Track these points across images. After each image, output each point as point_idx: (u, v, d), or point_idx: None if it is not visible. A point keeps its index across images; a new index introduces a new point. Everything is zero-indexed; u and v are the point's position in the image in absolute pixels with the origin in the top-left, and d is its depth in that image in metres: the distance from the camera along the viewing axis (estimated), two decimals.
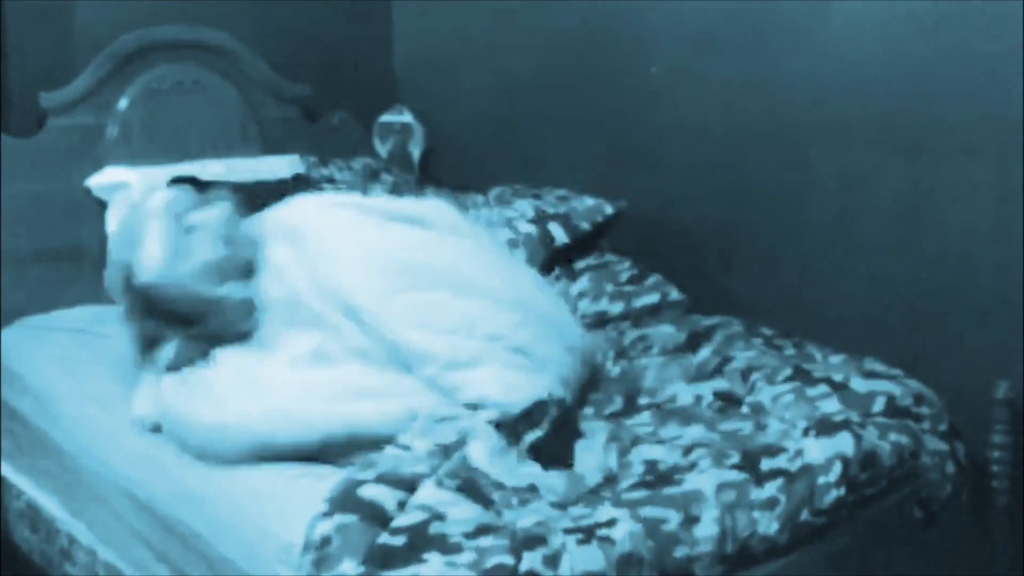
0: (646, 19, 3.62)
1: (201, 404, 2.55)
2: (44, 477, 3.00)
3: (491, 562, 1.98)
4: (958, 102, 2.96)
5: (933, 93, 3.01)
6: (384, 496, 2.15)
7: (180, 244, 2.81)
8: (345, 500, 2.14)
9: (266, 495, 2.32)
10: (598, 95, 3.79)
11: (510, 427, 2.42)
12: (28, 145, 3.51)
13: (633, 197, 3.59)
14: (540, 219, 3.47)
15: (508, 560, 1.99)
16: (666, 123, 3.60)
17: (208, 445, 2.49)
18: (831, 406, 2.60)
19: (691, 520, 2.18)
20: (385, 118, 4.29)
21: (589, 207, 3.56)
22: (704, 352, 2.94)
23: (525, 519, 2.13)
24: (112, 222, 3.44)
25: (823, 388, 2.67)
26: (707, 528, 2.19)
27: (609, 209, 3.55)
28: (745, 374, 2.79)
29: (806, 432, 2.47)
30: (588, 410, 2.68)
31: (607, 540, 2.08)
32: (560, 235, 3.45)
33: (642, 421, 2.61)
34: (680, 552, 2.16)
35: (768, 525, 2.27)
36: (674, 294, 3.34)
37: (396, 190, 3.77)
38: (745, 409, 2.68)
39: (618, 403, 2.72)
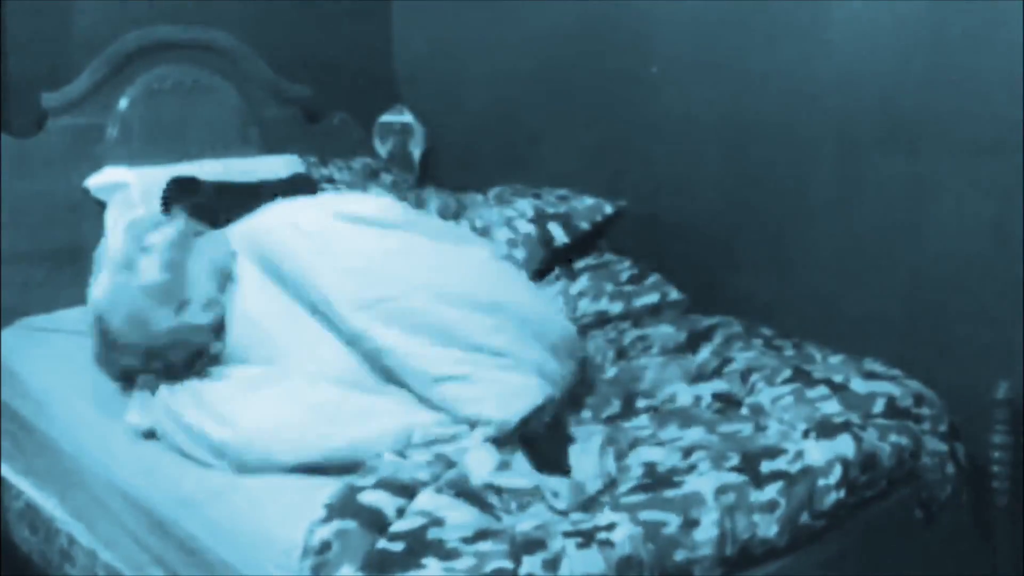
0: (646, 19, 3.61)
1: (204, 418, 2.54)
2: (43, 478, 3.00)
3: (490, 567, 1.98)
4: (958, 101, 2.96)
5: (933, 93, 3.00)
6: (383, 502, 2.16)
7: (132, 265, 2.79)
8: (344, 506, 2.14)
9: (265, 500, 2.32)
10: (598, 95, 3.78)
11: (508, 438, 2.43)
12: (28, 145, 3.50)
13: (633, 197, 3.59)
14: (540, 219, 3.47)
15: (507, 565, 1.99)
16: (666, 123, 3.60)
17: (209, 458, 2.49)
18: (831, 407, 2.60)
19: (691, 523, 2.18)
20: (385, 118, 4.29)
21: (589, 207, 3.55)
22: (704, 352, 2.95)
23: (524, 523, 2.13)
24: (111, 222, 3.43)
25: (823, 389, 2.67)
26: (707, 531, 2.19)
27: (609, 209, 3.55)
28: (745, 375, 2.79)
29: (806, 434, 2.47)
30: (586, 413, 2.68)
31: (607, 543, 2.08)
32: (560, 235, 3.45)
33: (641, 423, 2.61)
34: (680, 555, 2.15)
35: (768, 528, 2.27)
36: (674, 294, 3.34)
37: (396, 190, 3.77)
38: (745, 410, 2.67)
39: (616, 406, 2.72)
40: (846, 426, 2.49)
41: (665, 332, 3.08)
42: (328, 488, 2.23)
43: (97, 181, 3.54)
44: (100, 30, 3.63)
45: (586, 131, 3.84)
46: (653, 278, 3.36)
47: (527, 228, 3.44)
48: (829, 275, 3.27)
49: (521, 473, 2.33)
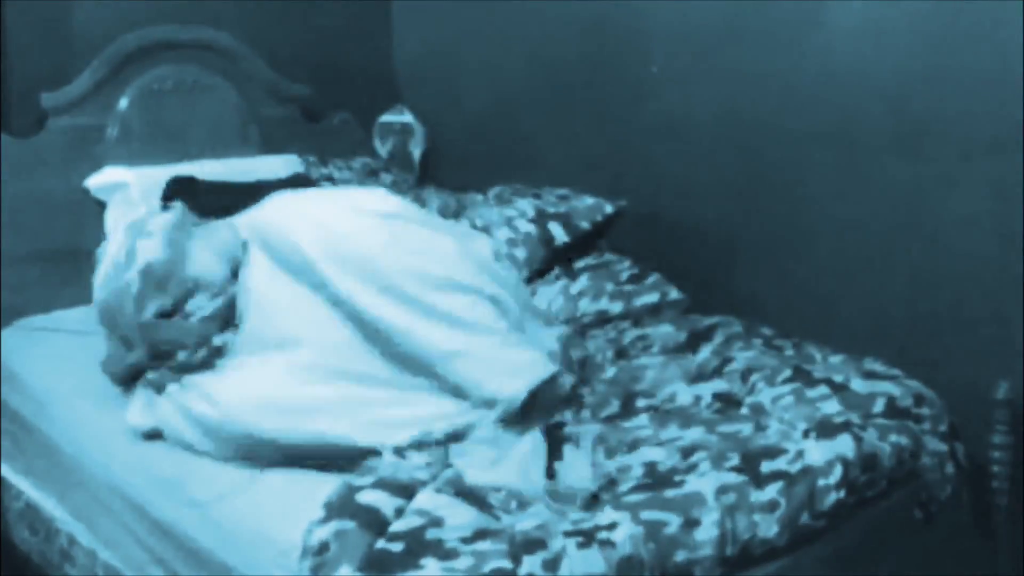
0: (646, 19, 3.61)
1: (197, 403, 2.56)
2: (43, 478, 3.00)
3: (489, 567, 1.98)
4: (958, 102, 2.95)
5: (933, 93, 3.00)
6: (382, 502, 2.15)
7: (132, 255, 2.81)
8: (343, 506, 2.14)
9: (264, 500, 2.32)
10: (598, 95, 3.78)
11: (517, 416, 2.47)
12: (28, 145, 3.50)
13: (633, 196, 3.59)
14: (540, 218, 3.47)
15: (507, 565, 1.99)
16: (666, 123, 3.60)
17: (201, 441, 2.51)
18: (831, 407, 2.60)
19: (691, 523, 2.18)
20: (385, 118, 4.29)
21: (589, 206, 3.55)
22: (704, 352, 2.95)
23: (524, 522, 2.13)
24: (111, 222, 3.43)
25: (823, 389, 2.67)
26: (707, 531, 2.18)
27: (609, 208, 3.55)
28: (745, 375, 2.79)
29: (806, 434, 2.47)
30: (585, 413, 2.68)
31: (607, 543, 2.08)
32: (560, 234, 3.45)
33: (640, 423, 2.60)
34: (680, 555, 2.15)
35: (768, 528, 2.26)
36: (674, 293, 3.33)
37: (396, 190, 3.76)
38: (745, 410, 2.67)
39: (615, 406, 2.71)
40: (846, 426, 2.49)
41: (665, 332, 3.08)
42: (327, 487, 2.22)
43: (97, 181, 3.54)
44: (100, 30, 3.64)
45: (586, 131, 3.84)
46: (653, 278, 3.36)
47: (527, 228, 3.44)
48: (829, 275, 3.27)
49: (511, 474, 2.33)
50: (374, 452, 2.40)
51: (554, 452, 2.41)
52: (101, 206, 3.52)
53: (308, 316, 2.70)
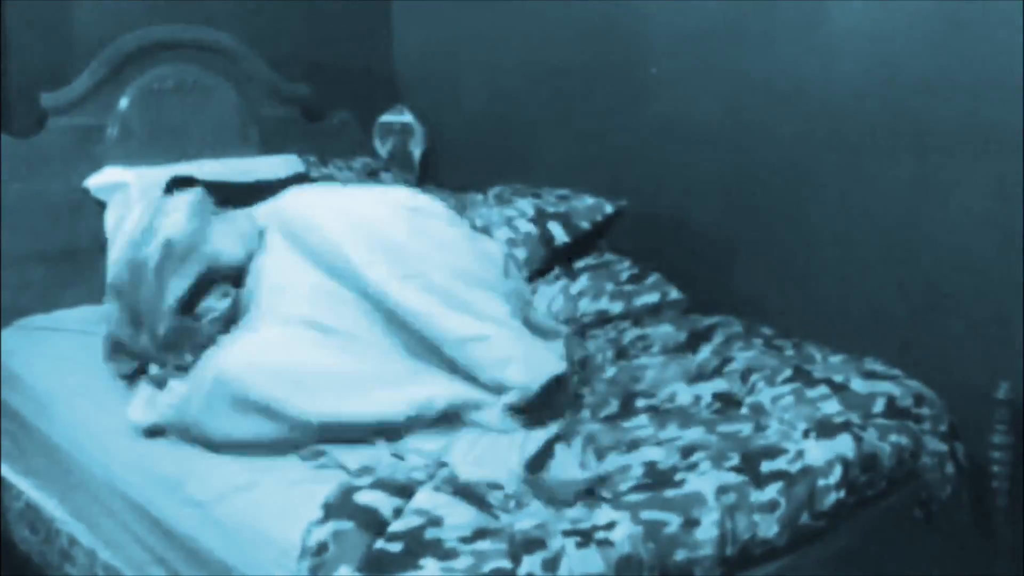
0: (646, 19, 3.62)
1: (207, 366, 2.59)
2: (43, 478, 3.00)
3: (488, 567, 1.98)
4: (958, 102, 2.96)
5: (933, 93, 3.00)
6: (380, 502, 2.15)
7: (151, 230, 2.82)
8: (341, 506, 2.14)
9: (264, 500, 2.32)
10: (598, 95, 3.78)
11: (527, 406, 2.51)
12: (28, 145, 3.50)
13: (633, 196, 3.59)
14: (540, 218, 3.47)
15: (506, 564, 1.98)
16: (666, 123, 3.60)
17: (204, 408, 2.52)
18: (831, 407, 2.60)
19: (691, 523, 2.18)
20: (385, 118, 4.29)
21: (589, 206, 3.55)
22: (704, 352, 2.95)
23: (523, 522, 2.12)
24: (111, 222, 3.44)
25: (823, 389, 2.67)
26: (707, 531, 2.18)
27: (609, 208, 3.55)
28: (745, 375, 2.79)
29: (806, 434, 2.47)
30: (584, 413, 2.68)
31: (607, 543, 2.08)
32: (560, 234, 3.45)
33: (640, 423, 2.60)
34: (680, 555, 2.15)
35: (768, 528, 2.26)
36: (674, 293, 3.33)
37: None
38: (745, 410, 2.67)
39: (614, 406, 2.71)
40: (846, 426, 2.49)
41: (665, 332, 3.09)
42: (326, 487, 2.22)
43: (97, 181, 3.54)
44: (100, 30, 3.63)
45: (586, 131, 3.83)
46: (653, 278, 3.36)
47: (527, 227, 3.44)
48: (829, 275, 3.27)
49: (495, 466, 2.34)
50: (383, 428, 2.44)
51: (546, 450, 2.41)
52: (101, 206, 3.52)
53: (324, 299, 2.73)
